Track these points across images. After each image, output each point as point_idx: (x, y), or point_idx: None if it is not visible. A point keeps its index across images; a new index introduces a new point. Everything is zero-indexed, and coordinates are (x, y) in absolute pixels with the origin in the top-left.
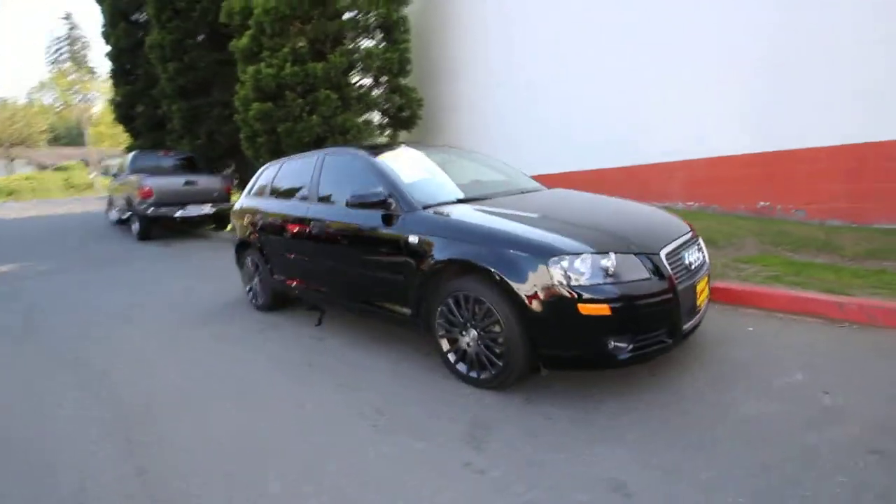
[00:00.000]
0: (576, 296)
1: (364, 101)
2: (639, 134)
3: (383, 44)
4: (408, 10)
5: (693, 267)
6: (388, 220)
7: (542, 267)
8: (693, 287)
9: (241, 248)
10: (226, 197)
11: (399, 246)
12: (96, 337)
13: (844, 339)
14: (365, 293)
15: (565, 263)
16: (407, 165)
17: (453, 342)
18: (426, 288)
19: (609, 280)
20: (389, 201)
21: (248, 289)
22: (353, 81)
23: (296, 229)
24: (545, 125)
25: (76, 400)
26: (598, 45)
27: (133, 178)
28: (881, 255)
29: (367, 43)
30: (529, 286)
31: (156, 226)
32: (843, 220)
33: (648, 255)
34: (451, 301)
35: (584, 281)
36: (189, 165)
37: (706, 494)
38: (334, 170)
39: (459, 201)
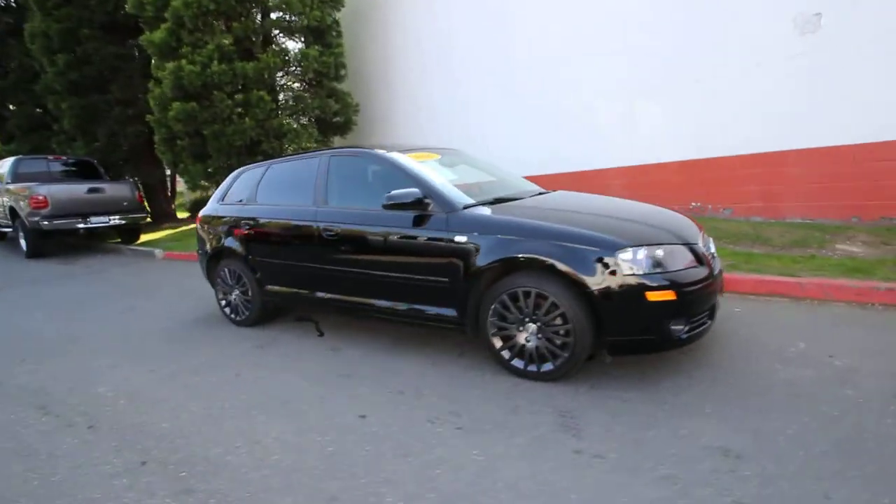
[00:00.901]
0: (644, 284)
1: (300, 105)
2: (582, 145)
3: (316, 47)
4: (340, 15)
5: (715, 255)
6: (420, 220)
7: (610, 259)
8: (720, 273)
9: (214, 259)
10: (138, 207)
11: (443, 247)
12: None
13: (814, 313)
14: (397, 297)
15: (629, 255)
16: (427, 167)
17: (507, 339)
18: (476, 287)
19: (668, 268)
20: (427, 202)
21: (223, 303)
22: (285, 84)
23: (300, 235)
24: (483, 135)
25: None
26: (540, 58)
27: (17, 186)
28: (804, 244)
29: (293, 45)
30: (599, 278)
31: (49, 241)
32: (762, 216)
33: (690, 246)
34: (506, 298)
35: (648, 270)
36: (87, 172)
37: (802, 449)
38: (347, 172)
39: (497, 200)
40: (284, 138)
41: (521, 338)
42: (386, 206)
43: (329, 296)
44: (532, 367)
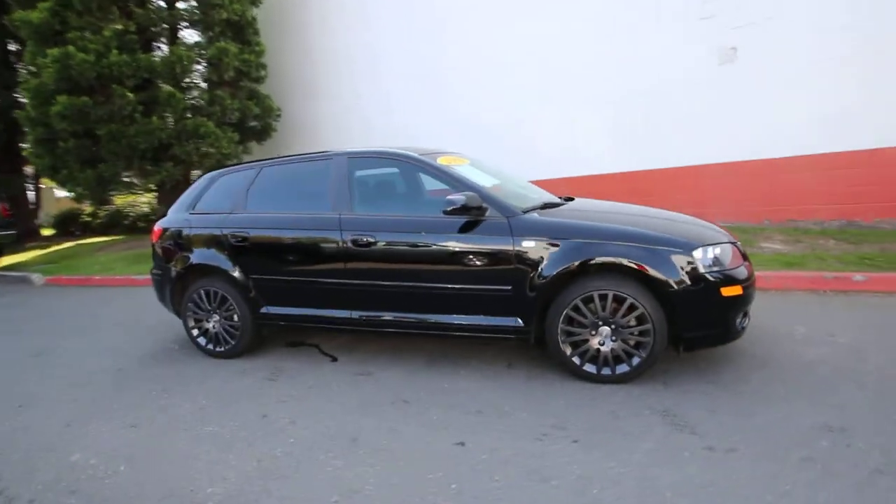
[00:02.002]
0: (718, 280)
1: (216, 106)
2: (521, 156)
3: (234, 44)
4: (258, 12)
5: None
6: (471, 226)
7: (686, 259)
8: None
9: (182, 279)
10: (4, 222)
11: (508, 253)
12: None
13: (786, 301)
14: (452, 310)
15: (701, 254)
16: (469, 172)
17: (576, 345)
18: (544, 294)
19: (727, 266)
20: (484, 206)
21: (196, 332)
22: (194, 82)
23: (319, 247)
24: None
25: None
26: (477, 70)
27: None
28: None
29: (192, 38)
30: (678, 277)
31: None
32: None
33: (735, 244)
34: (580, 303)
35: (718, 267)
36: None
37: (884, 413)
38: (373, 176)
39: (546, 206)
40: (202, 141)
41: (595, 342)
42: (447, 213)
43: (359, 314)
44: (606, 371)
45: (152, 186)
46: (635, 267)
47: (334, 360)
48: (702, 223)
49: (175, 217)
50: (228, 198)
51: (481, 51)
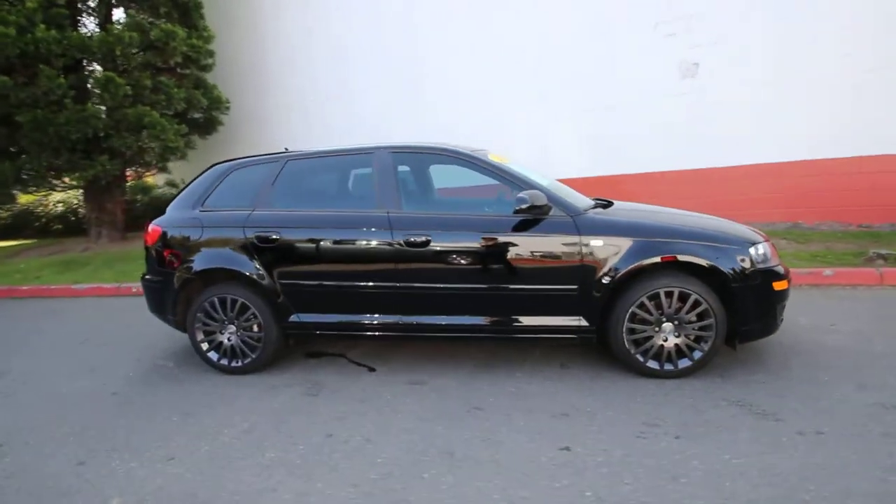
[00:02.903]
0: (771, 275)
1: (164, 94)
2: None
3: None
4: None
5: None
6: (531, 224)
7: (746, 256)
8: None
9: (188, 287)
10: None
11: (574, 252)
12: None
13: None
14: (515, 311)
15: (754, 251)
16: (525, 170)
17: (639, 343)
18: (613, 292)
19: (771, 262)
20: (549, 205)
21: (205, 346)
22: (129, 66)
23: (367, 248)
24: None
25: None
26: (443, 71)
27: None
28: None
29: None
30: (739, 273)
31: None
32: None
33: (770, 242)
34: (645, 300)
35: (767, 264)
36: None
37: None
38: (418, 173)
39: (598, 205)
40: (145, 133)
41: (659, 339)
42: (518, 211)
43: (412, 319)
44: (669, 366)
45: (74, 183)
46: (706, 265)
47: (372, 370)
48: (734, 223)
49: (179, 215)
50: (247, 194)
51: (459, 50)
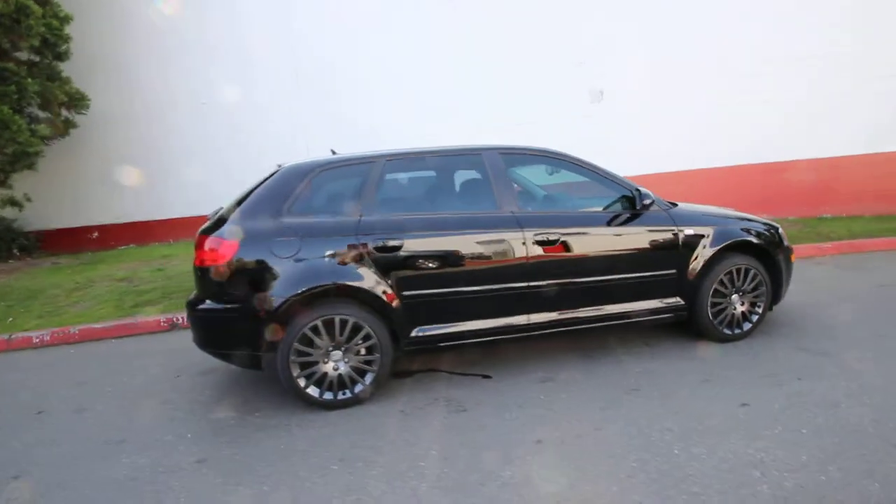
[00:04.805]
0: (790, 250)
1: (16, 86)
2: None
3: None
4: None
5: None
6: (632, 218)
7: (778, 235)
8: None
9: (286, 310)
10: None
11: (674, 241)
12: None
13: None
14: (625, 299)
15: (782, 231)
16: None
17: (717, 314)
18: (702, 273)
19: (787, 240)
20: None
21: (303, 381)
22: None
23: (502, 250)
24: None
25: None
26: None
27: None
28: None
29: None
30: (776, 250)
31: None
32: None
33: None
34: (724, 277)
35: (787, 241)
36: None
37: None
38: (523, 173)
39: None
40: None
41: (731, 308)
42: (644, 206)
43: (545, 317)
44: (738, 330)
45: None
46: (765, 245)
47: (487, 377)
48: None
49: (259, 226)
50: (345, 198)
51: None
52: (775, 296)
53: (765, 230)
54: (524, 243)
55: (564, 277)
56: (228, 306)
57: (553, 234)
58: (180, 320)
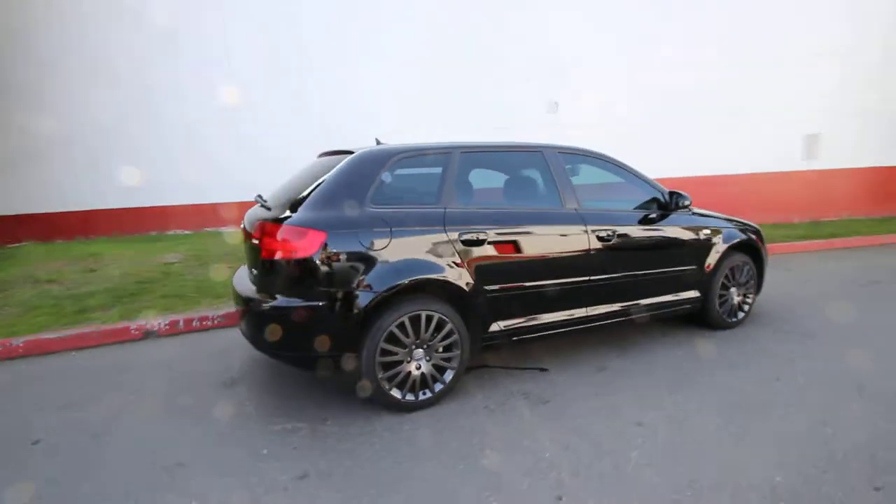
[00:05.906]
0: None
1: None
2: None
3: None
4: None
5: None
6: (664, 217)
7: (761, 236)
8: None
9: (376, 306)
10: None
11: (698, 238)
12: None
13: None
14: (660, 291)
15: (760, 232)
16: None
17: (722, 304)
18: (716, 267)
19: None
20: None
21: (388, 383)
22: None
23: (571, 244)
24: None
25: None
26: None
27: None
28: None
29: None
30: (762, 248)
31: None
32: None
33: None
34: (729, 272)
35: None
36: None
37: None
38: (577, 171)
39: None
40: None
41: (731, 299)
42: (685, 206)
43: (604, 309)
44: (734, 318)
45: None
46: (755, 244)
47: (543, 370)
48: None
49: (344, 215)
50: (424, 187)
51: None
52: (758, 288)
53: (753, 232)
54: (588, 239)
55: (619, 271)
56: (310, 303)
57: (609, 230)
58: (156, 327)
